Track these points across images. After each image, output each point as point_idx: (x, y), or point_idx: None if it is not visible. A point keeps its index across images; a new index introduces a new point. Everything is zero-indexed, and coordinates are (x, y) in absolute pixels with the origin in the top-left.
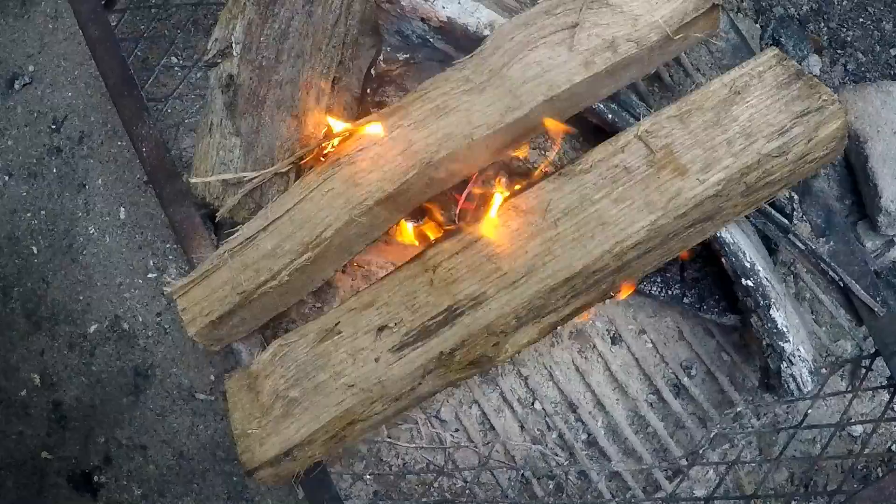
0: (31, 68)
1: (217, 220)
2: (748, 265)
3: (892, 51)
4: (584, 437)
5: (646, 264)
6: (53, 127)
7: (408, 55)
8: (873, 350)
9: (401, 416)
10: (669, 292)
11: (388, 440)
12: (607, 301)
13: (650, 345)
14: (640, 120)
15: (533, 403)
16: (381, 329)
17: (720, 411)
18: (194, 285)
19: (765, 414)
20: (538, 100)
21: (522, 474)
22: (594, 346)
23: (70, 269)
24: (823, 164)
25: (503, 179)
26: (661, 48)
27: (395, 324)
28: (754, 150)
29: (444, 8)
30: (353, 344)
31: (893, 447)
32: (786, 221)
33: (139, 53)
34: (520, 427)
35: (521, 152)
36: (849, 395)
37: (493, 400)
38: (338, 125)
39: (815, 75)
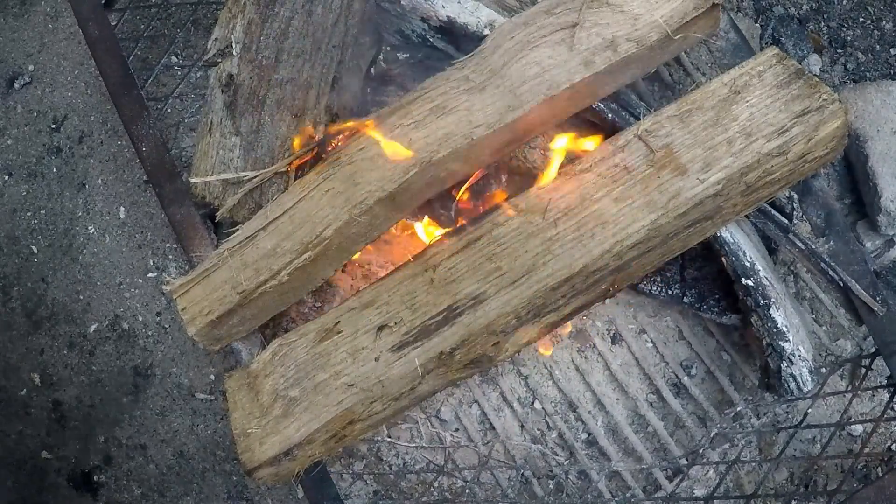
0: (31, 68)
1: (217, 219)
2: (748, 265)
3: (892, 50)
4: (584, 436)
5: (646, 264)
6: (53, 127)
7: (408, 55)
8: (873, 350)
9: (401, 416)
10: (669, 292)
11: (388, 440)
12: (607, 301)
13: (650, 344)
14: (640, 119)
15: (533, 403)
16: (381, 328)
17: (720, 411)
18: (194, 284)
19: (765, 413)
20: (538, 99)
21: (522, 474)
22: (594, 346)
23: (70, 269)
24: (823, 164)
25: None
26: (662, 47)
27: (395, 323)
28: (754, 150)
29: (443, 7)
30: (353, 343)
31: (893, 447)
32: (786, 221)
33: (139, 53)
34: (520, 427)
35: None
36: (849, 395)
37: (493, 399)
38: (339, 123)
39: (815, 74)
